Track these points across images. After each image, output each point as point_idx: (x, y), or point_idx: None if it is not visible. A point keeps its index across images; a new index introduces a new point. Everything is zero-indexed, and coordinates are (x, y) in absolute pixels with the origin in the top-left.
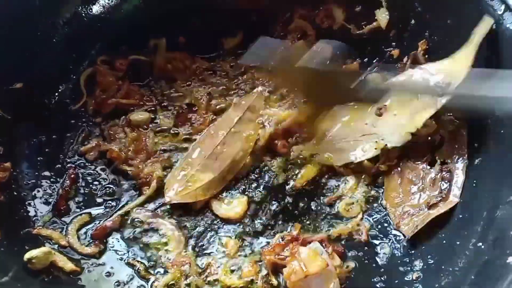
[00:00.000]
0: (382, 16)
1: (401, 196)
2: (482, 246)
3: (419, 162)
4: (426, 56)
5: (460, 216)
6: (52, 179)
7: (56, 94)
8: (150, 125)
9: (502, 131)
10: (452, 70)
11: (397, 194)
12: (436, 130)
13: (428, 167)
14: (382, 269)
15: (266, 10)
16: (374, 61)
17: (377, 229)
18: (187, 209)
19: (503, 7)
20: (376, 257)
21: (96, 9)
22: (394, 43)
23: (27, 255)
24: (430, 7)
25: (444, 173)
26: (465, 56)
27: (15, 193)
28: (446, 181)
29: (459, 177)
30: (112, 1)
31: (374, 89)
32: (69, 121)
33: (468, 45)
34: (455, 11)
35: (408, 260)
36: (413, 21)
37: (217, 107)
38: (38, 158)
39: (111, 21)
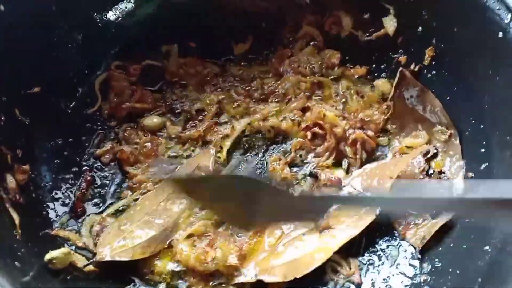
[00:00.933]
0: (390, 24)
1: None
2: (489, 249)
3: (417, 173)
4: (433, 62)
5: (467, 220)
6: (70, 182)
7: (72, 98)
8: (163, 130)
9: (508, 137)
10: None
11: None
12: (428, 141)
13: (426, 178)
14: (390, 272)
15: (275, 16)
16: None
17: (385, 233)
18: None
19: (509, 15)
20: (385, 260)
21: (110, 15)
22: (401, 50)
23: (47, 256)
24: (437, 15)
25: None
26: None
27: (34, 195)
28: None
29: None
30: (126, 8)
31: (313, 207)
32: (85, 124)
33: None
34: (461, 18)
35: (416, 263)
36: (420, 29)
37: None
38: (56, 161)
39: (125, 27)
